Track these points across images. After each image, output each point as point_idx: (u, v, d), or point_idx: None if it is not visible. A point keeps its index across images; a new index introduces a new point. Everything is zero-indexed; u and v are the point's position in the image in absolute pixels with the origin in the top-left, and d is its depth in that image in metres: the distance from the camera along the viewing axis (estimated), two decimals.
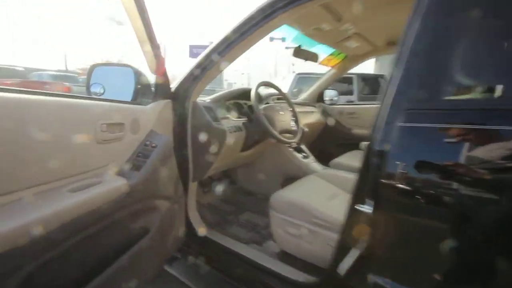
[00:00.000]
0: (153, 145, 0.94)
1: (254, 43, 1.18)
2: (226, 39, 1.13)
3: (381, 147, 0.72)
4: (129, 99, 1.09)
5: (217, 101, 1.44)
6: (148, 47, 1.02)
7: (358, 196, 0.81)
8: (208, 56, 1.18)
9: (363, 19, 1.44)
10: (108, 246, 0.80)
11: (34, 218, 0.56)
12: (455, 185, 0.64)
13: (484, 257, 0.65)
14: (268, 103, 1.78)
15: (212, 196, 1.82)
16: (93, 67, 1.11)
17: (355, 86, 5.55)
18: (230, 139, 1.39)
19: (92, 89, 1.08)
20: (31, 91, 0.64)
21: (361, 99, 5.52)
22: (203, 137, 1.26)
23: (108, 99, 0.88)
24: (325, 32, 1.50)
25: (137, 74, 1.11)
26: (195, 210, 1.41)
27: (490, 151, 0.62)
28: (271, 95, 1.89)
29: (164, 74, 1.13)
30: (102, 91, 1.08)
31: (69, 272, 0.69)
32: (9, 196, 0.56)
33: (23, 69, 9.40)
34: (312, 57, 1.79)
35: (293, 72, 7.61)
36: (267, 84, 1.54)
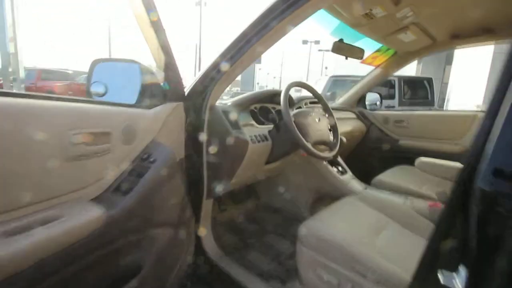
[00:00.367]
0: (152, 159, 0.73)
1: (282, 35, 0.93)
2: (247, 32, 0.91)
3: (497, 177, 0.42)
4: (133, 101, 0.91)
5: (239, 104, 1.22)
6: (154, 40, 0.84)
7: (439, 255, 0.51)
8: (227, 53, 0.96)
9: (428, 3, 1.13)
10: None
11: None
12: None
13: None
14: (300, 108, 1.52)
15: (231, 213, 1.60)
16: (95, 62, 0.94)
17: (397, 90, 5.03)
18: (253, 151, 1.15)
19: (93, 89, 0.92)
20: None
21: (402, 104, 4.98)
22: (221, 147, 1.05)
23: (92, 101, 0.70)
24: (376, 21, 1.21)
25: (144, 72, 0.93)
26: (210, 232, 1.20)
27: None
28: (304, 98, 1.62)
29: (175, 72, 0.93)
30: (104, 91, 0.91)
31: None
32: None
33: (72, 72, 10.16)
34: (356, 53, 1.49)
35: (326, 75, 7.20)
36: (300, 85, 1.28)
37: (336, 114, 1.42)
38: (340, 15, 1.21)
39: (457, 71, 6.31)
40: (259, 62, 25.20)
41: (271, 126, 1.28)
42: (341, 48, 1.43)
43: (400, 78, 5.09)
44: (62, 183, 0.56)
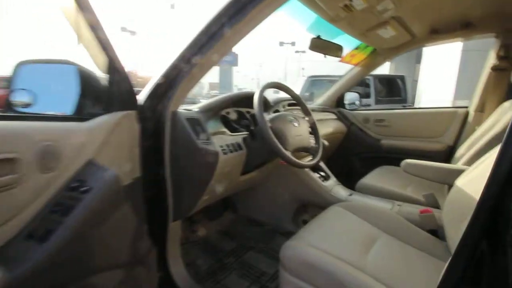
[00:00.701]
0: (85, 188, 0.56)
1: (252, 27, 0.80)
2: (214, 24, 0.77)
3: None
4: (68, 111, 0.73)
5: (208, 110, 1.06)
6: (91, 40, 0.67)
7: None
8: (191, 49, 0.81)
9: None
10: None
11: None
12: None
13: None
14: (277, 111, 1.39)
15: (206, 231, 1.43)
16: (20, 65, 0.75)
17: (372, 89, 5.09)
18: (226, 162, 1.00)
19: (15, 98, 0.72)
20: None
21: (378, 102, 5.05)
22: (187, 161, 0.89)
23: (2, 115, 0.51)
24: (356, 14, 1.10)
25: (83, 75, 0.75)
26: (179, 260, 1.03)
27: None
28: (281, 100, 1.49)
29: (122, 74, 0.76)
30: (29, 100, 0.72)
31: None
32: None
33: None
34: (335, 50, 1.39)
35: (303, 76, 7.20)
36: (276, 86, 1.15)
37: (316, 116, 1.31)
38: (317, 8, 1.09)
39: (426, 69, 6.55)
40: (236, 64, 25.05)
41: (245, 133, 1.14)
42: (319, 45, 1.32)
43: (375, 76, 5.16)
44: None
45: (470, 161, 1.14)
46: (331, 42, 1.37)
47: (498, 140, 1.08)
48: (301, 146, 1.10)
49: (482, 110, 1.51)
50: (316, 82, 5.27)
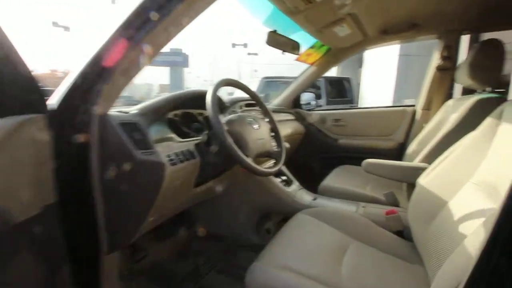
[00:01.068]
0: None
1: (190, 17, 0.66)
2: (142, 11, 0.60)
3: None
4: None
5: (150, 112, 0.87)
6: None
7: None
8: (123, 33, 0.63)
9: None
10: None
11: None
12: None
13: None
14: (234, 112, 1.25)
15: (156, 255, 1.22)
16: None
17: (323, 90, 5.30)
18: (175, 174, 0.83)
19: None
20: None
21: (329, 103, 5.28)
22: (122, 178, 0.69)
23: None
24: (314, 7, 1.03)
25: None
26: None
27: None
28: (238, 100, 1.36)
29: (20, 67, 0.54)
30: None
31: None
32: None
33: None
34: (292, 46, 1.31)
35: (257, 77, 7.19)
36: (231, 83, 1.01)
37: (274, 117, 1.22)
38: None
39: (368, 73, 7.12)
40: (186, 65, 24.21)
41: (198, 139, 0.98)
42: (276, 40, 1.23)
43: (326, 78, 5.39)
44: None
45: (427, 159, 1.16)
46: (288, 38, 1.29)
47: (450, 137, 1.11)
48: (263, 151, 0.98)
49: (429, 108, 1.60)
50: (270, 83, 5.27)
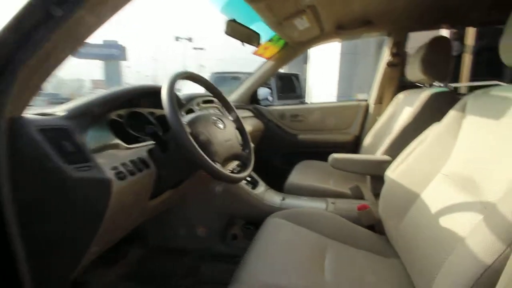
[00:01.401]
0: None
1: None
2: None
3: None
4: None
5: (84, 113, 0.67)
6: None
7: None
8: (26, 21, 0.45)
9: None
10: None
11: None
12: None
13: None
14: (191, 111, 1.10)
15: (102, 283, 1.00)
16: None
17: (274, 86, 5.35)
18: (125, 191, 0.66)
19: None
20: None
21: (280, 98, 5.36)
22: (49, 203, 0.51)
23: None
24: None
25: None
26: None
27: None
28: (193, 97, 1.20)
29: None
30: None
31: None
32: None
33: None
34: (252, 38, 1.21)
35: (204, 73, 6.88)
36: (189, 77, 0.86)
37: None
38: None
39: (313, 69, 7.47)
40: (124, 58, 22.12)
41: (151, 143, 0.81)
42: (236, 30, 1.11)
43: (276, 74, 5.45)
44: None
45: (389, 151, 1.19)
46: (249, 28, 1.18)
47: (409, 130, 1.15)
48: (232, 153, 0.86)
49: (381, 102, 1.68)
50: (221, 79, 5.09)
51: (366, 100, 1.79)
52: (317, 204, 1.16)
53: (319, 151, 1.84)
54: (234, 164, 1.17)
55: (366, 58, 4.96)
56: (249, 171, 0.89)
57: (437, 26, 1.51)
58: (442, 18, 1.41)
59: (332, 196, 1.24)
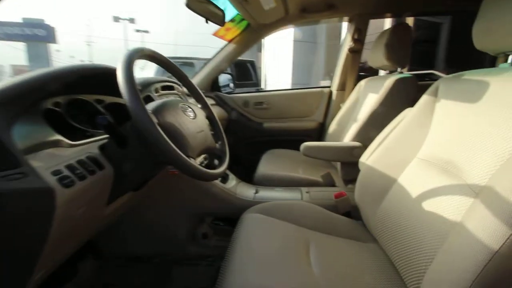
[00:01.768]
0: None
1: None
2: None
3: None
4: None
5: (4, 102, 0.49)
6: None
7: None
8: None
9: None
10: None
11: None
12: None
13: None
14: (149, 98, 0.94)
15: None
16: None
17: (231, 72, 5.18)
18: (74, 201, 0.51)
19: None
20: None
21: (237, 86, 5.22)
22: None
23: None
24: None
25: None
26: None
27: None
28: (150, 82, 1.04)
29: None
30: None
31: None
32: None
33: None
34: (216, 14, 1.07)
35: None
36: (149, 56, 0.70)
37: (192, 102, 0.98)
38: None
39: (267, 57, 7.48)
40: (53, 40, 19.14)
41: (103, 137, 0.66)
42: (198, 4, 0.97)
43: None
44: None
45: (358, 137, 1.20)
46: (213, 3, 1.04)
47: (376, 116, 1.18)
48: (206, 147, 0.75)
49: (343, 88, 1.71)
50: None
51: (329, 87, 1.81)
52: (292, 195, 1.13)
53: (285, 139, 1.82)
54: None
55: (317, 46, 5.11)
56: (226, 165, 0.79)
57: (396, 14, 1.57)
58: (402, 6, 1.46)
59: (304, 185, 1.22)
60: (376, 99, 1.19)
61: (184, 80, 0.85)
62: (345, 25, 1.69)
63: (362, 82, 1.50)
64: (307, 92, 1.83)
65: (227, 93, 1.91)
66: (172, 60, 0.79)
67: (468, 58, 1.72)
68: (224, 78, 1.96)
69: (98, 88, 0.75)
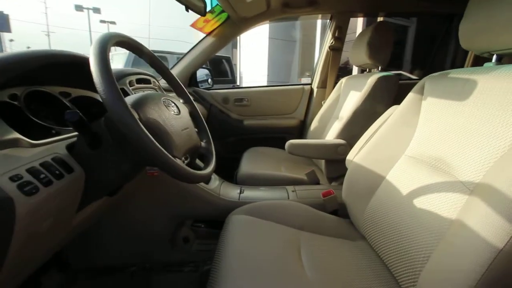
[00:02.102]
0: None
1: None
2: None
3: None
4: None
5: None
6: None
7: None
8: None
9: None
10: None
11: None
12: None
13: None
14: (125, 91, 0.85)
15: None
16: None
17: (209, 67, 5.05)
18: (39, 212, 0.43)
19: None
20: None
21: (214, 82, 5.11)
22: None
23: None
24: None
25: None
26: None
27: None
28: (124, 74, 0.94)
29: None
30: None
31: None
32: None
33: None
34: (196, 3, 1.00)
35: (116, 51, 5.88)
36: (124, 43, 0.61)
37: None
38: None
39: (243, 53, 7.41)
40: (8, 30, 17.29)
41: (70, 135, 0.57)
42: None
43: None
44: None
45: (342, 135, 1.20)
46: None
47: (359, 113, 1.18)
48: (191, 145, 0.68)
49: (324, 86, 1.71)
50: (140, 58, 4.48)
51: (310, 84, 1.80)
52: (278, 194, 1.10)
53: (266, 137, 1.79)
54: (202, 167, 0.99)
55: (292, 44, 5.15)
56: (213, 165, 0.73)
57: (376, 14, 1.60)
58: (382, 6, 1.48)
59: (288, 183, 1.20)
60: (359, 97, 1.19)
61: (163, 72, 0.77)
62: (319, 23, 1.69)
63: (343, 80, 1.51)
64: (288, 89, 1.81)
65: (205, 89, 1.83)
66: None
67: (432, 59, 1.80)
68: (201, 73, 1.87)
69: (64, 79, 0.66)
